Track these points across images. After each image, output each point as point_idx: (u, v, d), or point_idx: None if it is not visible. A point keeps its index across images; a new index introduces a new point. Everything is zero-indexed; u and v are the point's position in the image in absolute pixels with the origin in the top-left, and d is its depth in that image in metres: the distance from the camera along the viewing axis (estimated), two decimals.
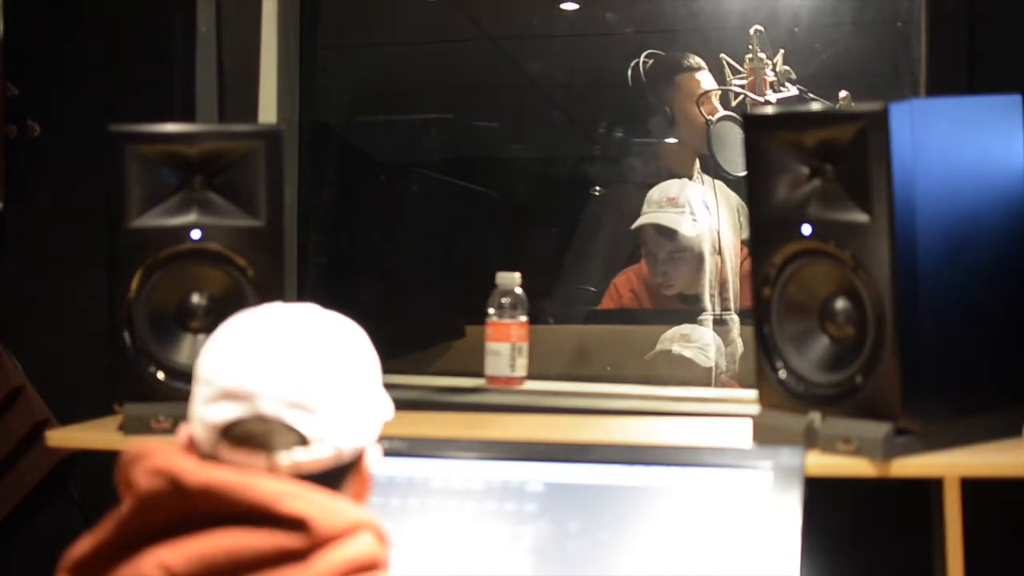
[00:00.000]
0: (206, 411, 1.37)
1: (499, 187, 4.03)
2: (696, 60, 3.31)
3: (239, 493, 1.30)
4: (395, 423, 1.55)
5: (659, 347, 3.11)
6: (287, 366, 1.36)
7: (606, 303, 3.36)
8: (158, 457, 1.32)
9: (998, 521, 2.17)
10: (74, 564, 1.32)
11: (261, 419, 1.34)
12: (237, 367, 1.36)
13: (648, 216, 3.19)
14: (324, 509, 1.32)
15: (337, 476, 1.38)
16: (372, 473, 1.43)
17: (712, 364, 3.02)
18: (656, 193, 3.22)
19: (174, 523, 1.30)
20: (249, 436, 1.35)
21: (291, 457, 1.34)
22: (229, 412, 1.35)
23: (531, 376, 2.48)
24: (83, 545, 1.33)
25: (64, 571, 1.33)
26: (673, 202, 3.18)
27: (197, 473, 1.31)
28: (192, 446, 1.37)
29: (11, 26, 2.80)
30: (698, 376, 3.00)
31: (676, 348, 3.07)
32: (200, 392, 1.38)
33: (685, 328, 3.10)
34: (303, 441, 1.35)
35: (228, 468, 1.32)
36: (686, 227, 3.15)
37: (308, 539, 1.29)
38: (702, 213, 3.15)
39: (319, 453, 1.36)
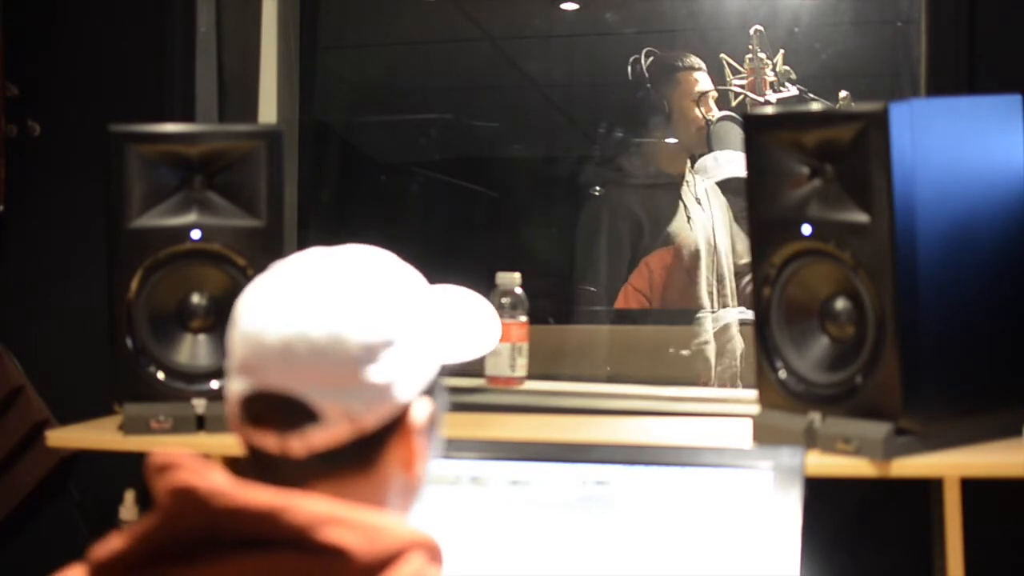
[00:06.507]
0: (227, 386, 1.26)
1: (499, 187, 4.03)
2: (696, 60, 3.32)
3: (274, 518, 1.17)
4: None
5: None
6: (292, 332, 1.21)
7: (635, 280, 3.34)
8: (182, 473, 1.20)
9: (998, 521, 2.17)
10: (97, 567, 1.22)
11: (268, 394, 1.22)
12: (245, 333, 1.24)
13: (727, 171, 3.17)
14: (366, 535, 1.18)
15: (370, 447, 1.24)
16: (421, 428, 1.27)
17: None
18: (709, 160, 3.20)
19: (201, 543, 1.19)
20: (259, 414, 1.22)
21: (301, 437, 1.22)
22: (240, 387, 1.23)
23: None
24: (107, 548, 1.22)
25: (89, 566, 1.24)
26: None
27: (226, 495, 1.18)
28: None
29: (11, 26, 2.80)
30: None
31: None
32: (227, 364, 1.28)
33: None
34: (313, 417, 1.21)
35: (265, 488, 1.20)
36: None
37: (348, 572, 1.17)
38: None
39: (332, 429, 1.21)
